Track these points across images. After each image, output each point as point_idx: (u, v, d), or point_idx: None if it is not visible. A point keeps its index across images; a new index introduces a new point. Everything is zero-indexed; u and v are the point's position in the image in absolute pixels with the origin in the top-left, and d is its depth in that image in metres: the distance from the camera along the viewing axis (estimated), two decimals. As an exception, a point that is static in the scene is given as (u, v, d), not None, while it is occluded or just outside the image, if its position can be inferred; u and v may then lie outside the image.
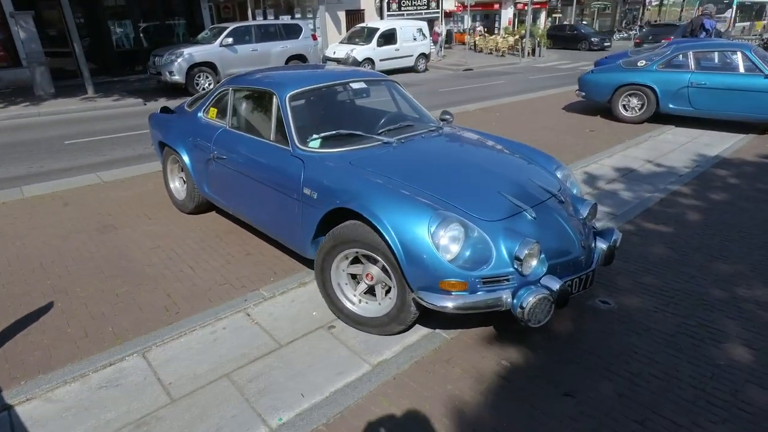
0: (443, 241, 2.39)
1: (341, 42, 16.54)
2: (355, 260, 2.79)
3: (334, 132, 3.17)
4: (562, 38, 26.70)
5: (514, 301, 2.39)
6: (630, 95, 7.78)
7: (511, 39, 22.86)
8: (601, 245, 2.87)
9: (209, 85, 12.27)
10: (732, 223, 4.13)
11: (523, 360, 2.57)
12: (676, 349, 2.62)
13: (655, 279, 3.31)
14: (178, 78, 11.88)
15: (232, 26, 12.99)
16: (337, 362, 2.58)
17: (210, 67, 12.36)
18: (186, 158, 4.02)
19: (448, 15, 25.00)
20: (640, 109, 7.75)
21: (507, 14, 29.42)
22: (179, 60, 11.92)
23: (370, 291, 2.82)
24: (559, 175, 3.25)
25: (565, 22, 30.51)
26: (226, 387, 2.41)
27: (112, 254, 3.70)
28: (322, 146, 3.11)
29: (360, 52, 15.18)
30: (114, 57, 15.26)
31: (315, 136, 3.15)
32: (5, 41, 13.61)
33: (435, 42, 20.00)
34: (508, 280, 2.44)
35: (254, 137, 3.44)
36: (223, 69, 12.46)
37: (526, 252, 2.40)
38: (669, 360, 2.53)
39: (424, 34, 17.07)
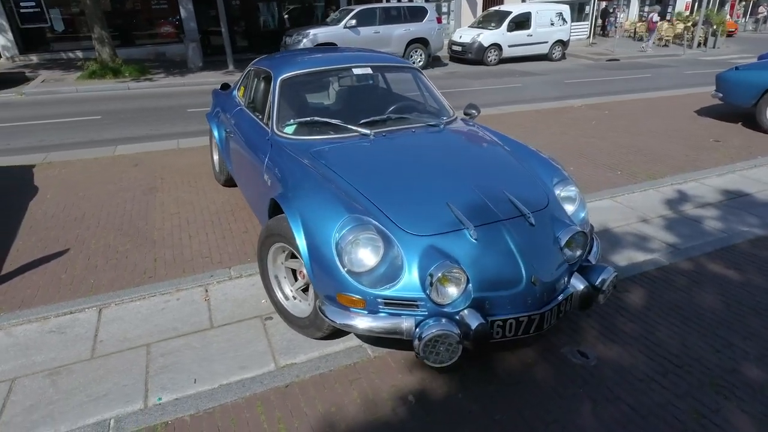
0: (351, 248, 2.14)
1: (470, 26, 15.91)
2: (295, 255, 2.66)
3: (308, 119, 3.04)
4: None
5: (416, 330, 2.05)
6: (784, 100, 6.12)
7: (680, 26, 19.63)
8: (578, 285, 2.31)
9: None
10: None
11: (435, 400, 2.21)
12: (635, 435, 2.01)
13: (673, 338, 2.58)
14: (301, 57, 12.60)
15: (357, 8, 13.32)
16: (248, 355, 2.51)
17: (332, 47, 12.88)
18: (215, 133, 4.24)
19: (607, -2, 22.32)
20: (796, 119, 6.06)
21: (685, -3, 25.24)
22: (304, 40, 12.64)
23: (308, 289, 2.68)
24: (557, 191, 2.69)
25: None
26: (139, 356, 2.51)
27: (138, 214, 4.10)
28: (295, 132, 3.01)
29: (486, 37, 14.43)
30: (259, 36, 16.78)
31: (291, 121, 3.06)
32: (179, 21, 15.84)
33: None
34: (417, 306, 2.10)
35: (254, 118, 3.47)
36: (344, 50, 12.88)
37: (440, 276, 2.03)
38: (613, 446, 1.96)
39: (564, 19, 15.55)
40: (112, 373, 2.40)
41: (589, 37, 20.18)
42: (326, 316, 2.18)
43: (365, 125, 3.02)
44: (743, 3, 26.95)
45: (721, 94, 6.78)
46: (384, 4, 13.48)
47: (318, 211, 2.27)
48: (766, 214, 4.08)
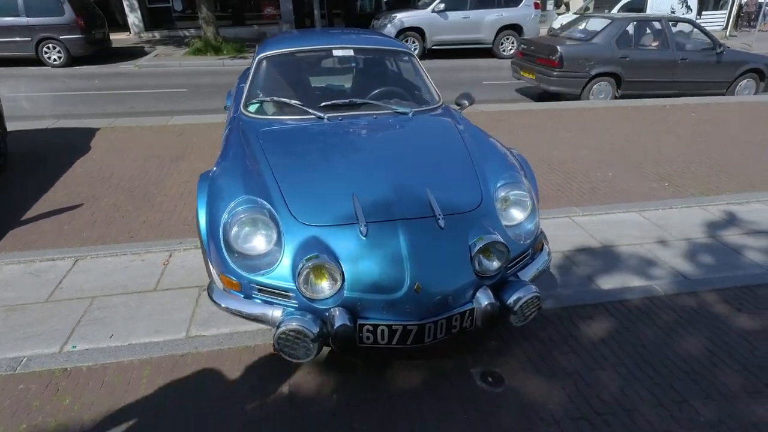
0: (238, 229, 2.11)
1: (575, 12, 14.64)
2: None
3: (268, 98, 3.03)
4: None
5: (279, 321, 1.98)
6: None
7: None
8: (483, 300, 2.05)
9: (415, 50, 12.64)
10: None
11: (305, 397, 2.12)
12: (493, 479, 1.75)
13: (614, 381, 2.19)
14: (387, 41, 12.59)
15: (448, -9, 12.91)
16: (169, 321, 2.62)
17: (418, 32, 12.66)
18: (228, 112, 4.42)
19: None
20: None
21: None
22: (389, 25, 12.58)
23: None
24: (501, 194, 2.38)
25: None
26: (82, 306, 2.74)
27: (155, 180, 4.44)
28: (257, 111, 3.03)
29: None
30: (354, 19, 17.10)
31: (255, 100, 3.07)
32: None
33: None
34: (288, 296, 2.03)
35: (240, 95, 3.54)
36: (431, 35, 12.62)
37: (310, 267, 1.93)
38: (460, 486, 1.73)
39: (688, 7, 13.66)
40: (54, 317, 2.65)
41: (725, 28, 17.49)
42: (210, 296, 2.19)
43: (325, 109, 2.94)
44: None
45: (843, 101, 5.50)
46: (478, -12, 12.87)
47: (219, 189, 2.27)
48: (839, 252, 3.26)
